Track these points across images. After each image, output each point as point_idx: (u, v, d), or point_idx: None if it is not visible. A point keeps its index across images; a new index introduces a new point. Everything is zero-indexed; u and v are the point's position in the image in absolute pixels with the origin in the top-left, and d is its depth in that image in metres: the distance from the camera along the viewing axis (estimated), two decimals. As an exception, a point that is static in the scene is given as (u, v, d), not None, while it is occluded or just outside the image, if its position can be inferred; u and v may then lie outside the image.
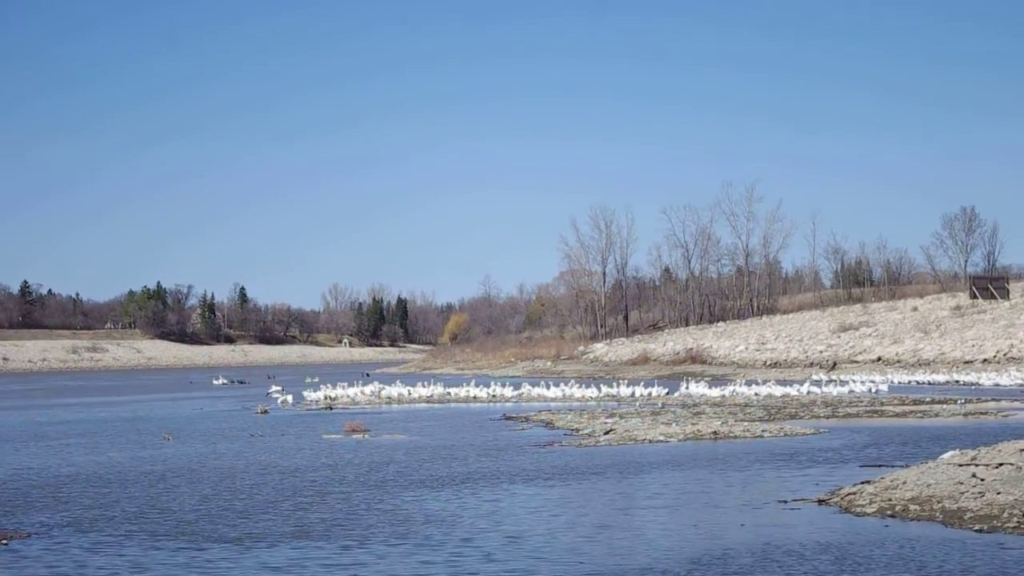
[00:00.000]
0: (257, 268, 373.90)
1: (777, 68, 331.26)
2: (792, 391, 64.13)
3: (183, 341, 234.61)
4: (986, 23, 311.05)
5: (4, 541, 21.03)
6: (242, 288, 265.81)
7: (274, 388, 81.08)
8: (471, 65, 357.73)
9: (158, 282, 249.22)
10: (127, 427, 51.27)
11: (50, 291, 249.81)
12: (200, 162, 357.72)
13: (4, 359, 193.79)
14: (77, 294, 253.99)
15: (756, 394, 62.69)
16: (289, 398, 65.75)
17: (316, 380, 77.55)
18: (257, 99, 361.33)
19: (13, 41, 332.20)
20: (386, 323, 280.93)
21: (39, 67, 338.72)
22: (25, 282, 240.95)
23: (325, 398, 66.22)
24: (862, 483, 25.01)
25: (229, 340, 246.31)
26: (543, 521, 22.78)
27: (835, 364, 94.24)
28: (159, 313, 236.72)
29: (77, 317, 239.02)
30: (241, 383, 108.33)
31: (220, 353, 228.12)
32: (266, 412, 58.49)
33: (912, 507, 21.99)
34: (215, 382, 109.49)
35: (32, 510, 25.12)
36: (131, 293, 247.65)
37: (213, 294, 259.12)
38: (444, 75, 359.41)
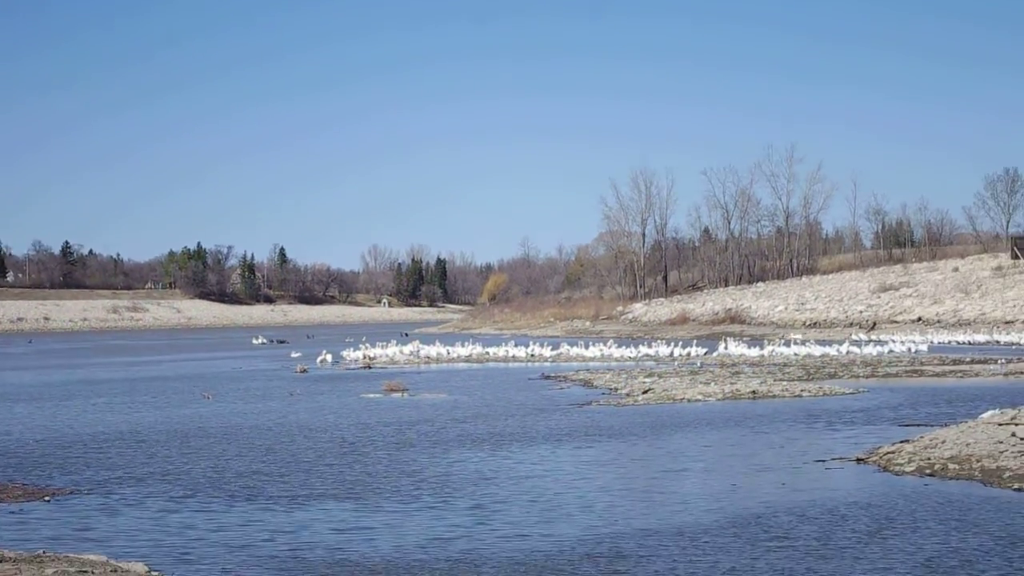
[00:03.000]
0: (297, 229, 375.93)
1: (818, 31, 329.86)
2: (831, 351, 63.85)
3: (223, 301, 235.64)
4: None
5: (46, 498, 21.10)
6: (282, 248, 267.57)
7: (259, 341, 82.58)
8: (520, 21, 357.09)
9: (198, 242, 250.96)
10: (167, 386, 51.49)
11: (91, 251, 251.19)
12: (242, 123, 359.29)
13: (45, 318, 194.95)
14: (118, 254, 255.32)
15: (795, 354, 62.56)
16: (328, 357, 65.83)
17: (364, 339, 77.48)
18: (282, 48, 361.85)
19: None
20: (425, 283, 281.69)
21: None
22: (66, 242, 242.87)
23: (364, 357, 66.43)
24: (901, 442, 24.90)
25: (269, 300, 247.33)
26: (580, 481, 22.74)
27: (875, 324, 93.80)
28: (199, 273, 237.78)
29: (118, 277, 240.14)
30: (281, 343, 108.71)
31: (260, 313, 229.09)
32: (305, 371, 58.66)
33: (951, 466, 21.87)
34: (255, 342, 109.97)
35: (67, 469, 25.06)
36: (171, 253, 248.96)
37: (253, 254, 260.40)
38: (492, 31, 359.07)
